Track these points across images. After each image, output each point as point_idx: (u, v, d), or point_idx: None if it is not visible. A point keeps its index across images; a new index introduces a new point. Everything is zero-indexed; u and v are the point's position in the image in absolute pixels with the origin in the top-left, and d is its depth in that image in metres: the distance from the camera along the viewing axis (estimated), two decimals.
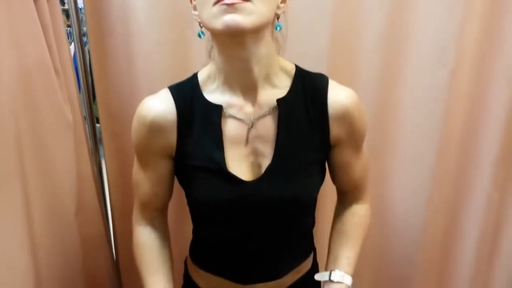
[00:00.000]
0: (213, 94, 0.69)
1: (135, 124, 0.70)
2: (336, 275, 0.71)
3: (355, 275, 0.74)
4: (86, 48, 1.03)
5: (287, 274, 0.77)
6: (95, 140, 1.08)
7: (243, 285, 0.76)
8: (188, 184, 0.72)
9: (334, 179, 0.79)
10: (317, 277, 0.74)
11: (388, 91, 1.03)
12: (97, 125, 1.09)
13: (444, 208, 1.15)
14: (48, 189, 0.86)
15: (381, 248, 1.18)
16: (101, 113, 1.04)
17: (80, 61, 1.03)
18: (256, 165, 0.69)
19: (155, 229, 0.78)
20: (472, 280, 1.23)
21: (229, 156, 0.68)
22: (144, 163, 0.73)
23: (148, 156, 0.72)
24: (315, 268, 0.87)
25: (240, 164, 0.68)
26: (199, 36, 0.66)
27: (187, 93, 0.69)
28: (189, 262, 0.83)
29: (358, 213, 0.80)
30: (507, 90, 1.03)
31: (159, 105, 0.69)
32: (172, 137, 0.69)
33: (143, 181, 0.74)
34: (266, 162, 0.68)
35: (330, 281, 0.71)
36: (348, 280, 0.71)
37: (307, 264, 0.82)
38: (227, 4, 0.57)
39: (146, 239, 0.77)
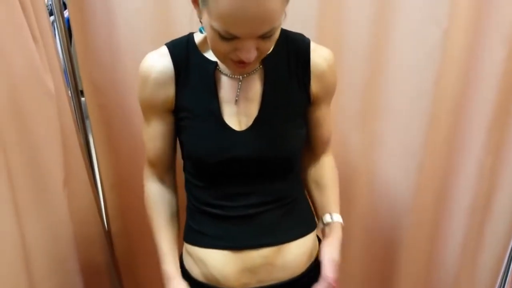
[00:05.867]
0: (210, 55, 0.72)
1: (139, 81, 0.74)
2: (336, 217, 0.82)
3: (345, 238, 0.81)
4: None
5: (285, 243, 0.75)
6: (81, 111, 1.06)
7: (235, 252, 0.74)
8: (183, 135, 0.76)
9: (309, 136, 0.82)
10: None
11: (378, 54, 1.00)
12: (82, 98, 1.07)
13: (436, 173, 1.14)
14: (31, 160, 0.85)
15: (372, 213, 1.19)
16: (84, 84, 1.02)
17: (60, 31, 1.00)
18: (243, 123, 0.73)
19: (164, 185, 0.83)
20: (463, 246, 1.24)
21: (221, 110, 0.73)
22: (148, 119, 0.77)
23: (152, 112, 0.75)
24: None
25: (230, 120, 0.73)
26: (201, 31, 0.71)
27: (183, 48, 0.73)
28: (184, 251, 0.82)
29: (331, 165, 0.88)
30: (501, 52, 1.00)
31: (161, 61, 0.72)
32: (171, 91, 0.73)
33: (149, 137, 0.78)
34: (252, 120, 0.73)
35: (332, 222, 0.81)
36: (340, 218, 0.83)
37: (309, 242, 0.79)
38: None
39: (156, 193, 0.82)
